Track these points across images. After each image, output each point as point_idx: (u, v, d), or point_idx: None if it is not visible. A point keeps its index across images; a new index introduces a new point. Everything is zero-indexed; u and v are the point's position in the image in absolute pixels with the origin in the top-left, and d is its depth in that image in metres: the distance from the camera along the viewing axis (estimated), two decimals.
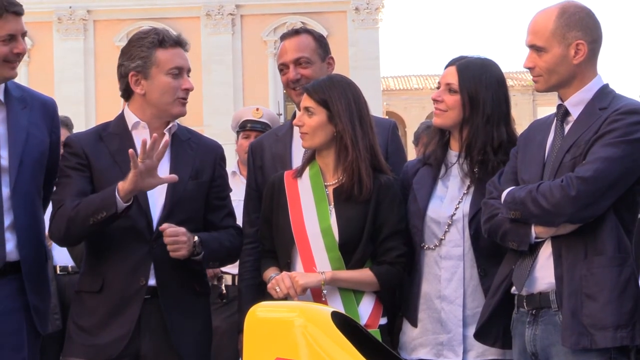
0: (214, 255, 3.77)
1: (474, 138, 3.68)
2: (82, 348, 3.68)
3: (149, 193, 3.65)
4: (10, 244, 3.60)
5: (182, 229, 3.61)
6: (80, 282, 3.81)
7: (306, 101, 3.71)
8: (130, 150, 3.49)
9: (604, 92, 3.39)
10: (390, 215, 3.68)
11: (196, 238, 3.65)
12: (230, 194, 4.02)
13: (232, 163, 5.60)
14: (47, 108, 3.84)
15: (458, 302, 3.65)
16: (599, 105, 3.35)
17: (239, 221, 4.09)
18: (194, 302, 3.79)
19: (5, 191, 3.60)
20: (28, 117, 3.71)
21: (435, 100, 3.74)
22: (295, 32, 4.15)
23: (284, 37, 4.16)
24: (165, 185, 3.65)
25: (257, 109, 5.96)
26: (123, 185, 3.51)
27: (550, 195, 3.22)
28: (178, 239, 3.59)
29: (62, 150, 3.83)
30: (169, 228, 3.58)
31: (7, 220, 3.59)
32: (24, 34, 3.65)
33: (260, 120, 5.89)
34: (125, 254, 3.66)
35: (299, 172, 3.77)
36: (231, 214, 3.95)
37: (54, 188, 3.80)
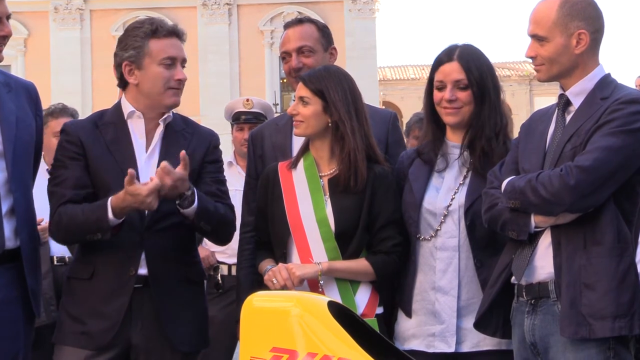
0: (208, 215, 3.65)
1: (481, 128, 3.67)
2: (72, 336, 3.67)
3: (141, 182, 3.58)
4: (7, 230, 3.54)
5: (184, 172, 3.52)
6: (72, 268, 3.81)
7: (301, 90, 3.71)
8: (131, 171, 3.45)
9: (606, 82, 3.38)
10: (385, 205, 3.68)
11: (193, 188, 3.56)
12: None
13: (229, 153, 5.59)
14: (29, 92, 3.79)
15: (453, 293, 3.64)
16: (600, 95, 3.34)
17: (238, 215, 4.08)
18: (187, 291, 3.75)
19: (1, 176, 3.54)
20: (14, 101, 3.66)
21: (449, 101, 3.68)
22: (299, 21, 4.18)
23: (287, 26, 4.19)
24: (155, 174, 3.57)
25: (248, 100, 5.94)
26: (115, 202, 3.50)
27: (550, 184, 3.21)
28: (181, 174, 3.49)
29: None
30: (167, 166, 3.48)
31: (5, 206, 3.53)
32: (8, 17, 3.60)
33: (252, 110, 5.87)
34: (117, 243, 3.63)
35: (294, 163, 3.77)
36: (225, 200, 3.85)
37: (49, 177, 3.77)
